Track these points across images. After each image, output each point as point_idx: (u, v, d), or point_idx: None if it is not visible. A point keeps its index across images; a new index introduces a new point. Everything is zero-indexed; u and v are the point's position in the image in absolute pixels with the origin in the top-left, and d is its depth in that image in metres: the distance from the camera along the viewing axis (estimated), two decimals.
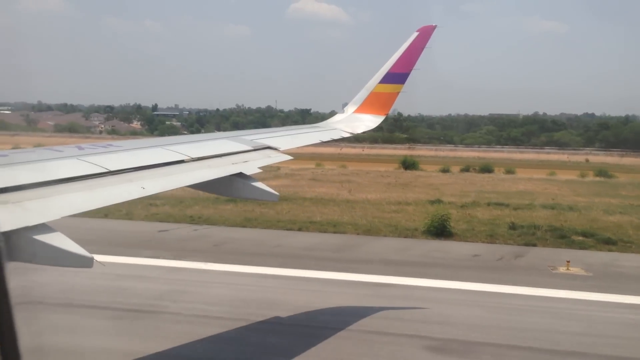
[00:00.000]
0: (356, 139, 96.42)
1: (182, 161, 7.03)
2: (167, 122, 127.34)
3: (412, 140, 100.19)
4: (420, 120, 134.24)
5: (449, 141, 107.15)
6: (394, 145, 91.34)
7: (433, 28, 11.97)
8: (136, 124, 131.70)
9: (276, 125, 67.88)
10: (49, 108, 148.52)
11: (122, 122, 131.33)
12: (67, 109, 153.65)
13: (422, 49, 11.86)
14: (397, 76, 11.92)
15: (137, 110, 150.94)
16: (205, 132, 48.09)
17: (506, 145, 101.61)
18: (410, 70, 11.87)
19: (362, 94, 12.35)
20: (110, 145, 6.80)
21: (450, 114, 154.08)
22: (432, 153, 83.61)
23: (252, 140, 8.97)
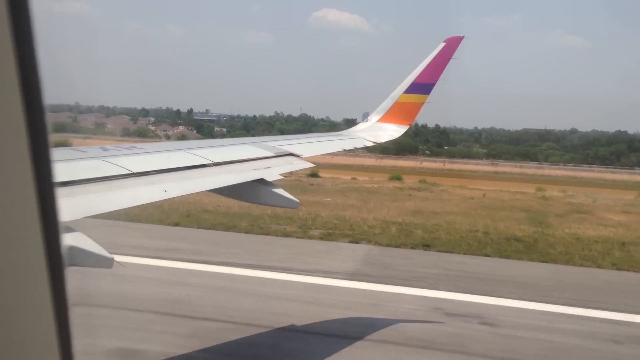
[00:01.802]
0: (432, 152, 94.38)
1: (204, 165, 7.04)
2: (216, 129, 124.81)
3: (494, 156, 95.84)
4: (459, 132, 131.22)
5: (532, 158, 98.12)
6: (475, 161, 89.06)
7: (460, 39, 11.84)
8: (183, 129, 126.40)
9: None
10: (89, 110, 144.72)
11: (171, 127, 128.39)
12: (105, 111, 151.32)
13: (449, 59, 11.74)
14: (422, 86, 11.82)
15: (176, 115, 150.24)
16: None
17: (594, 164, 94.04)
18: (436, 80, 11.76)
19: (387, 103, 12.27)
20: (134, 147, 6.84)
21: (476, 127, 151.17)
22: (518, 170, 78.65)
23: (274, 146, 8.96)
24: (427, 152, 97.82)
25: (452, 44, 11.80)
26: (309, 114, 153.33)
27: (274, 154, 8.52)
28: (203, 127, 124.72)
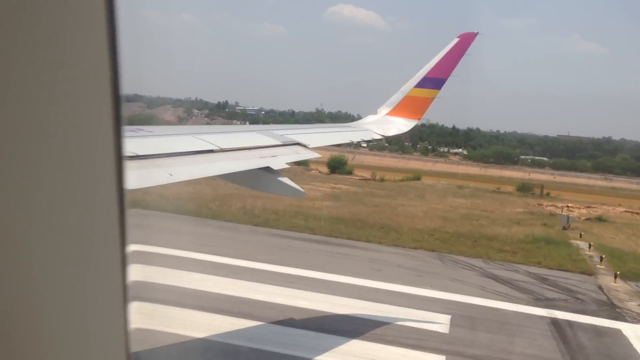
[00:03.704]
0: (534, 162, 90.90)
1: (211, 151, 6.99)
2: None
3: (602, 170, 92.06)
4: (495, 137, 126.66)
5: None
6: (586, 175, 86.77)
7: (474, 35, 11.71)
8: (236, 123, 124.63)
9: None
10: (135, 98, 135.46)
11: (226, 120, 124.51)
12: (146, 100, 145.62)
13: (462, 55, 11.63)
14: (434, 81, 11.70)
15: (217, 107, 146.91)
16: None
17: None
18: (448, 76, 11.65)
19: (397, 97, 12.17)
20: (140, 129, 6.80)
21: (498, 130, 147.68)
22: (630, 186, 75.87)
23: (282, 135, 8.91)
24: (528, 161, 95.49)
25: (466, 40, 11.67)
26: (337, 110, 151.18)
27: (280, 143, 8.48)
28: (258, 122, 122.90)
